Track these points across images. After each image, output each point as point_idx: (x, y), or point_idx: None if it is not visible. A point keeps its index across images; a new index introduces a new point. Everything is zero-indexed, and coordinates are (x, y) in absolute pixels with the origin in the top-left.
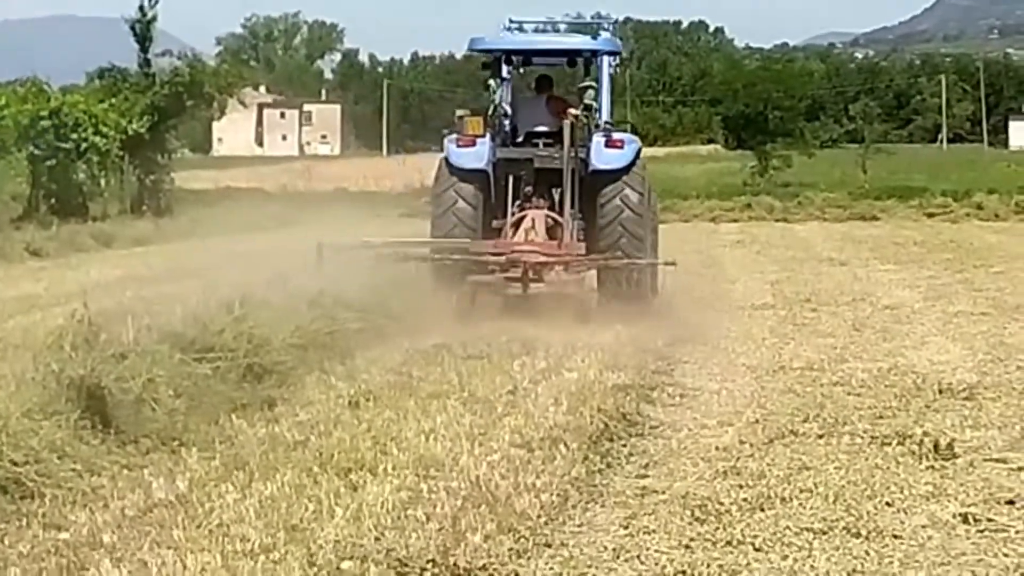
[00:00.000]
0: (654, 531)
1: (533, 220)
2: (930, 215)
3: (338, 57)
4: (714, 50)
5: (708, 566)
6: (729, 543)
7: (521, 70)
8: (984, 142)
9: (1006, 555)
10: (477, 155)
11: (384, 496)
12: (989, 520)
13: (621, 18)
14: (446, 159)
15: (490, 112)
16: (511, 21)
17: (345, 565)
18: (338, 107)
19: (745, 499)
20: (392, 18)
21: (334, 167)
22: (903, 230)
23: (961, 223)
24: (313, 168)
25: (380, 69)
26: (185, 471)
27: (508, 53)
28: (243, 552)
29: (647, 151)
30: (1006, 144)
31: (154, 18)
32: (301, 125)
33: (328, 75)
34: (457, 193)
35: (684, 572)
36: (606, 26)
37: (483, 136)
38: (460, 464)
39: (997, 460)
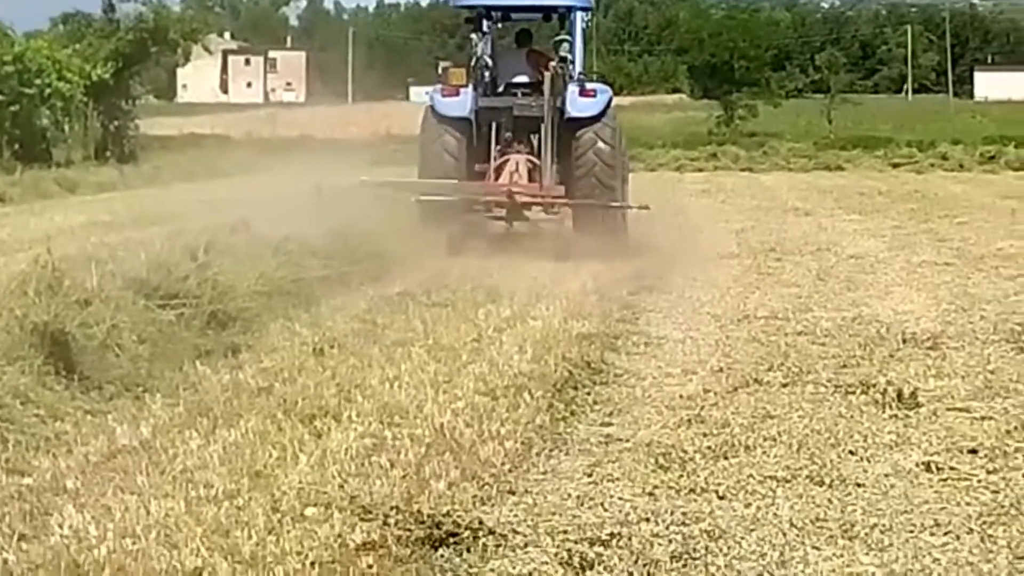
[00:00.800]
0: (618, 479)
1: (516, 164)
2: (895, 165)
3: (303, 4)
4: None
5: (672, 513)
6: (692, 491)
7: (500, 24)
8: (950, 93)
9: (968, 503)
10: (461, 104)
11: (348, 443)
12: (951, 469)
13: None
14: (432, 107)
15: (472, 64)
16: None
17: (309, 511)
18: (303, 54)
19: (709, 447)
20: None
21: (299, 115)
22: (868, 180)
23: (926, 173)
24: (278, 116)
25: (345, 17)
26: (149, 417)
27: (489, 9)
28: (207, 498)
29: (615, 99)
30: (971, 95)
31: None
32: (266, 72)
33: (293, 22)
34: (443, 139)
35: (648, 519)
36: None
37: (466, 86)
38: (424, 412)
39: (960, 409)
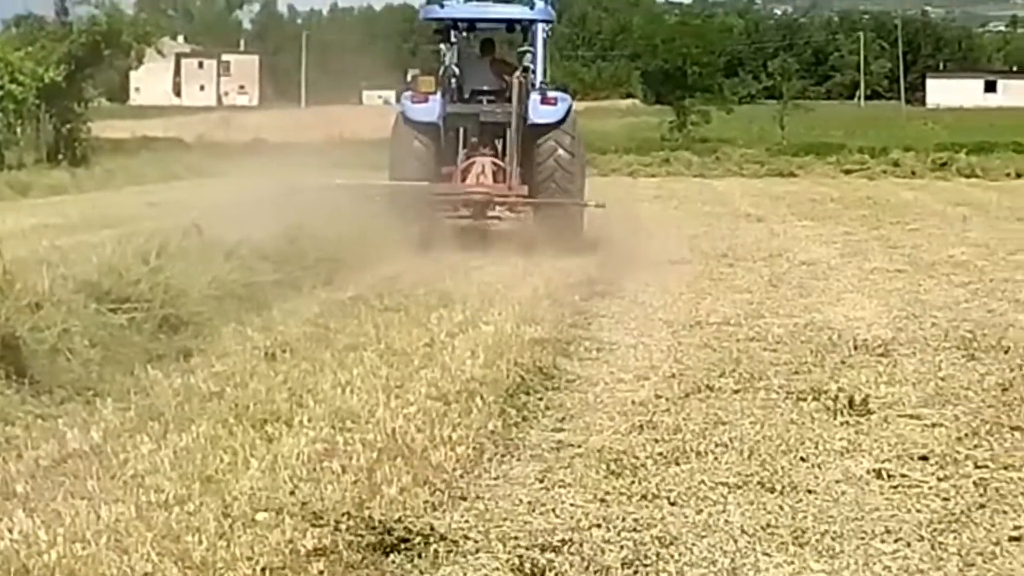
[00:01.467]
0: (569, 485)
1: (483, 166)
2: (847, 172)
3: (257, 7)
4: (634, 4)
5: (623, 520)
6: (644, 497)
7: (466, 35)
8: (902, 100)
9: (919, 510)
10: (429, 110)
11: (300, 448)
12: (902, 476)
13: None
14: (402, 113)
15: (440, 72)
16: None
17: (260, 516)
18: (256, 58)
19: (660, 453)
20: None
21: (252, 118)
22: (820, 186)
23: (878, 180)
24: (231, 119)
25: (299, 21)
26: (100, 421)
27: (456, 21)
28: (157, 503)
29: None
30: (923, 102)
31: None
32: (219, 76)
33: (247, 26)
34: (412, 143)
35: (599, 526)
36: None
37: (435, 93)
38: (376, 416)
39: (911, 416)
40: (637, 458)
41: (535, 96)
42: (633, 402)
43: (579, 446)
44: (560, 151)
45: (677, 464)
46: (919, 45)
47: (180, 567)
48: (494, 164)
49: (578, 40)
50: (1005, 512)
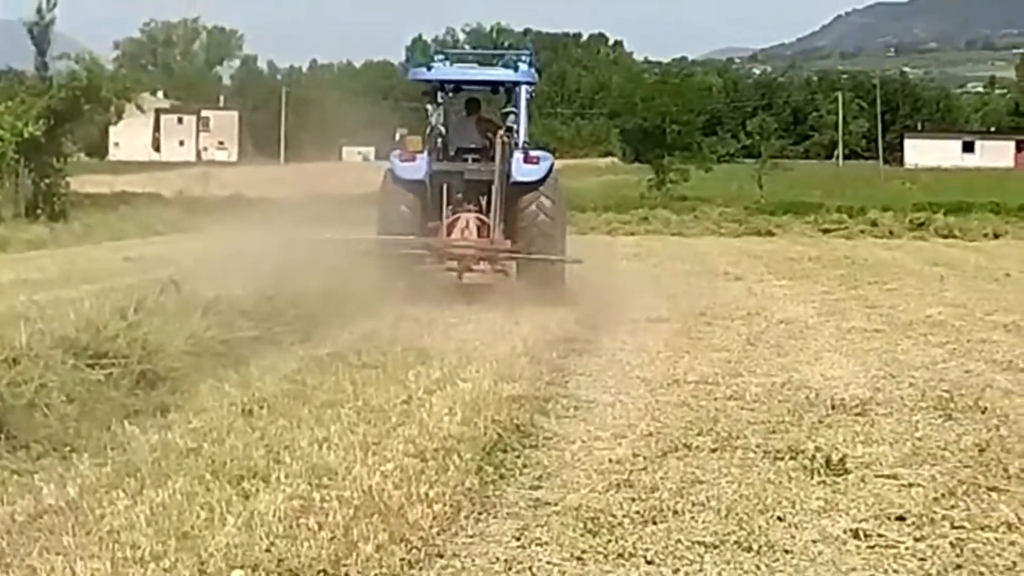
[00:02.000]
0: (546, 543)
1: (467, 221)
2: (825, 231)
3: (237, 64)
4: (613, 63)
5: None
6: (621, 556)
7: (452, 95)
8: (880, 159)
9: (895, 571)
10: (417, 168)
11: (276, 504)
12: (879, 536)
13: (521, 29)
14: (391, 171)
15: (427, 131)
16: (442, 52)
17: (236, 574)
18: (236, 114)
19: (637, 512)
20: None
21: (231, 174)
22: (798, 245)
23: (856, 239)
24: (210, 174)
25: (279, 76)
26: (76, 477)
27: (443, 83)
28: (133, 559)
29: None
30: (901, 162)
31: (52, 21)
32: (199, 131)
33: (227, 82)
34: (400, 199)
35: None
36: (524, 58)
37: (422, 152)
38: (353, 473)
39: (888, 476)
40: (614, 517)
41: (518, 155)
42: (610, 460)
43: (556, 504)
44: (542, 209)
45: (654, 523)
46: (897, 105)
47: None
48: (478, 220)
49: (557, 98)
50: (982, 573)
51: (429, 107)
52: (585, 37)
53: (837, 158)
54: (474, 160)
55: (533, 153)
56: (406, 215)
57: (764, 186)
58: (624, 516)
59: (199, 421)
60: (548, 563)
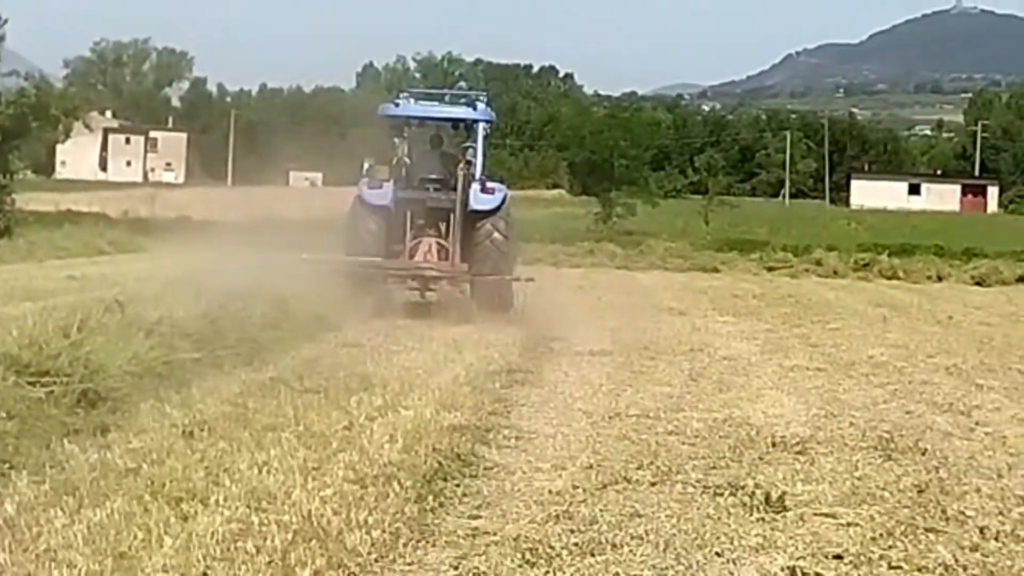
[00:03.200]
0: (484, 572)
1: (429, 245)
2: (770, 269)
3: (186, 85)
4: (563, 96)
5: None
6: None
7: (416, 130)
8: (826, 199)
9: None
10: (383, 195)
11: (215, 527)
12: (816, 574)
13: (472, 60)
14: (359, 197)
15: (394, 162)
16: (407, 91)
17: None
18: (184, 135)
19: (576, 544)
20: (241, 49)
21: (178, 195)
22: (743, 283)
23: (800, 278)
24: (157, 195)
25: (228, 99)
26: (14, 495)
27: (409, 118)
28: None
29: None
30: (847, 202)
31: (2, 38)
32: (146, 152)
33: (176, 103)
34: (367, 223)
35: None
36: (482, 98)
37: (388, 180)
38: (292, 498)
39: (827, 515)
40: (552, 548)
41: (476, 186)
42: (550, 491)
43: (495, 534)
44: (496, 234)
45: (592, 555)
46: (845, 145)
47: None
48: (438, 244)
49: (507, 129)
50: None
51: (396, 140)
52: (536, 69)
53: (784, 196)
54: (435, 189)
55: (489, 184)
56: (373, 238)
57: (710, 222)
58: (562, 548)
59: (139, 441)
60: None
